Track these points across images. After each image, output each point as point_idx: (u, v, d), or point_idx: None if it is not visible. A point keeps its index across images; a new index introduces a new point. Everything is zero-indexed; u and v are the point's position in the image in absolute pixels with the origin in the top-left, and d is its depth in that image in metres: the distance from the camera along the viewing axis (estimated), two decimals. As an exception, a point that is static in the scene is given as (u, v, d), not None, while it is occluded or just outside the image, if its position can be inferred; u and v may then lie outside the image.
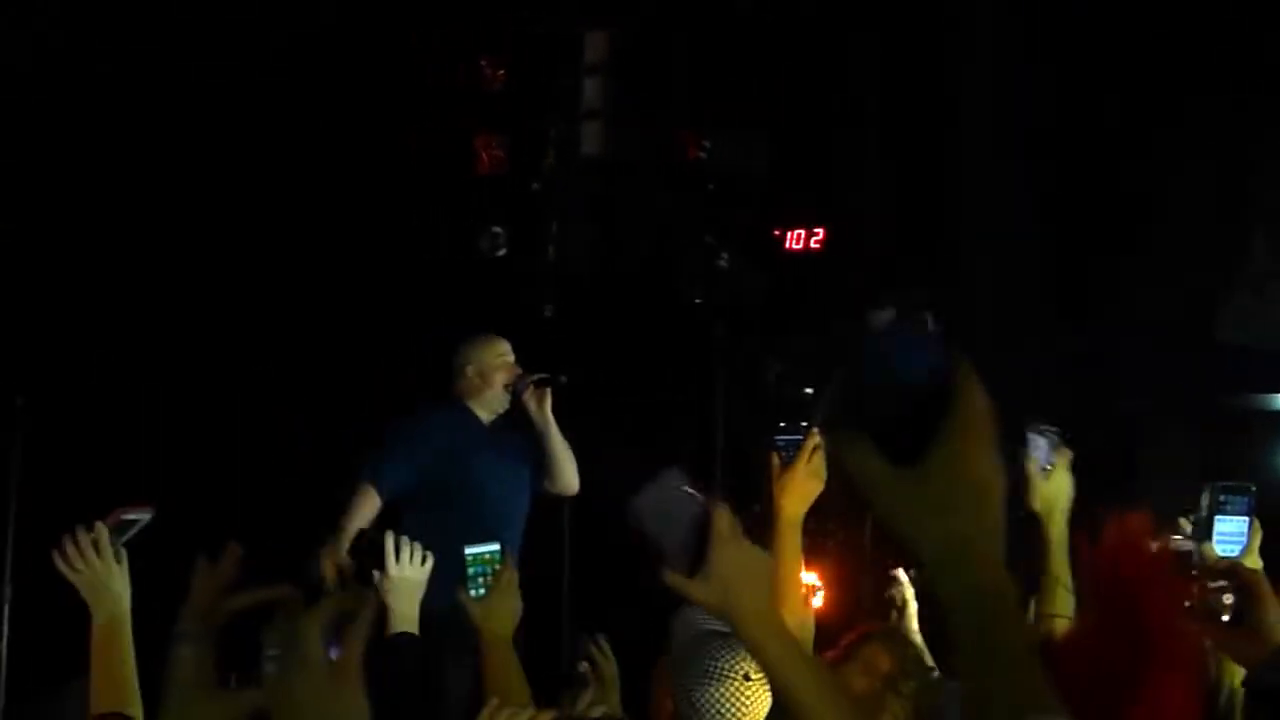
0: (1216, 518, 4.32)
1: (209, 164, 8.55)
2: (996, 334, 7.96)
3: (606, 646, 4.28)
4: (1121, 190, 8.22)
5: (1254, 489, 4.41)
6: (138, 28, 8.45)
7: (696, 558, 1.81)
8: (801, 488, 3.60)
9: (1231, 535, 4.30)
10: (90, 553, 3.37)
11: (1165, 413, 8.60)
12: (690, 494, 1.67)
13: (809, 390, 7.94)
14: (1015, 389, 1.43)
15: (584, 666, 4.19)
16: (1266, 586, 3.06)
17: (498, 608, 3.45)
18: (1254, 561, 4.10)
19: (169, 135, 8.48)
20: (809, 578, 6.91)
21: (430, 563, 3.75)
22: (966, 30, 8.76)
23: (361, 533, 3.91)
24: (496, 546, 3.51)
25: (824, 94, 8.67)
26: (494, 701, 2.67)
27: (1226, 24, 7.90)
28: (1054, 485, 3.79)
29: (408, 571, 3.66)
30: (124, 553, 3.42)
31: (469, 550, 3.45)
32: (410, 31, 8.70)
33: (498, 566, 3.47)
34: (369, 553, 3.59)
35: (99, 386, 8.22)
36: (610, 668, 4.22)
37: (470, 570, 3.43)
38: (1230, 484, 4.38)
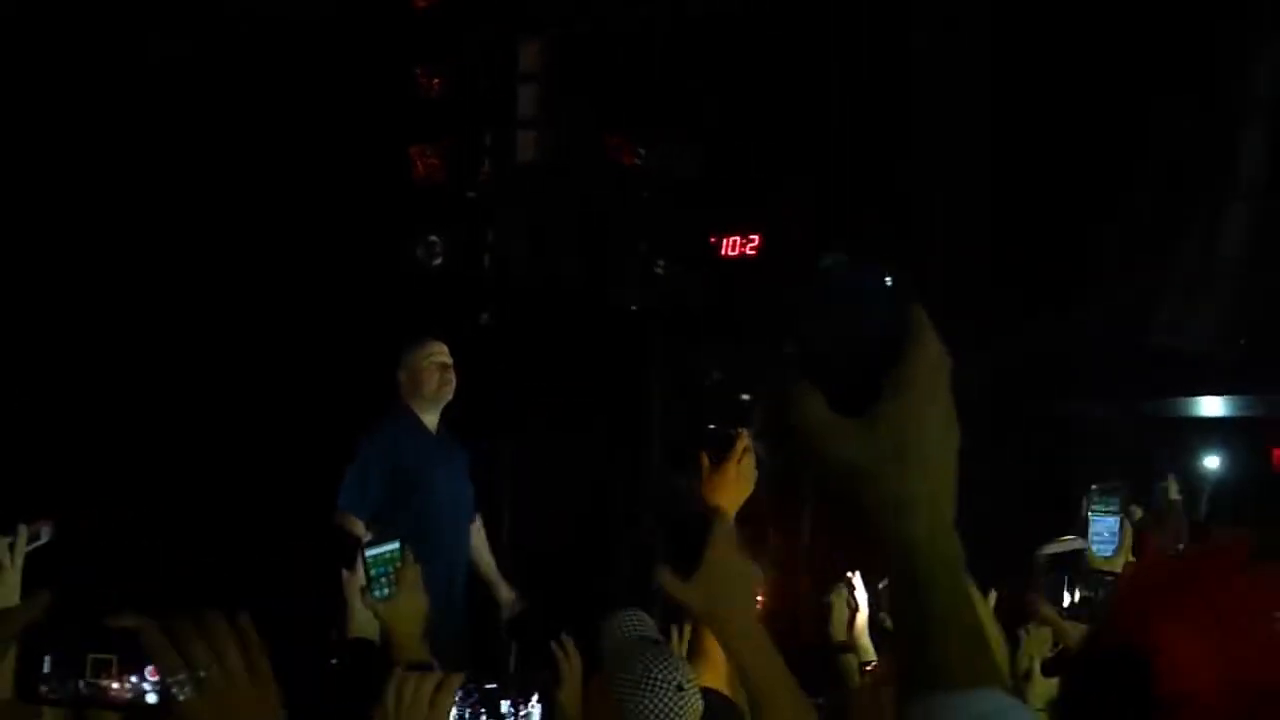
0: (1092, 518, 4.39)
1: (142, 174, 8.49)
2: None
3: (570, 644, 4.26)
4: (1064, 195, 8.26)
5: (1122, 488, 4.48)
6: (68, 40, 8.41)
7: (688, 562, 1.80)
8: (731, 489, 3.60)
9: (1105, 535, 4.37)
10: (6, 558, 3.13)
11: (1103, 415, 8.67)
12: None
13: (745, 396, 7.96)
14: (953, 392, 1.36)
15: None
16: None
17: (404, 607, 3.39)
18: (1127, 558, 4.18)
19: (93, 149, 8.42)
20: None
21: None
22: (910, 32, 8.77)
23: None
24: (396, 545, 3.44)
25: (757, 100, 8.69)
26: (398, 671, 2.56)
27: (1174, 29, 7.94)
28: None
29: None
30: None
31: (369, 553, 3.38)
32: (345, 41, 8.67)
33: (399, 565, 3.42)
34: (340, 554, 3.55)
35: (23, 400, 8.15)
36: (570, 665, 4.21)
37: (372, 572, 3.36)
38: (1104, 485, 4.44)
